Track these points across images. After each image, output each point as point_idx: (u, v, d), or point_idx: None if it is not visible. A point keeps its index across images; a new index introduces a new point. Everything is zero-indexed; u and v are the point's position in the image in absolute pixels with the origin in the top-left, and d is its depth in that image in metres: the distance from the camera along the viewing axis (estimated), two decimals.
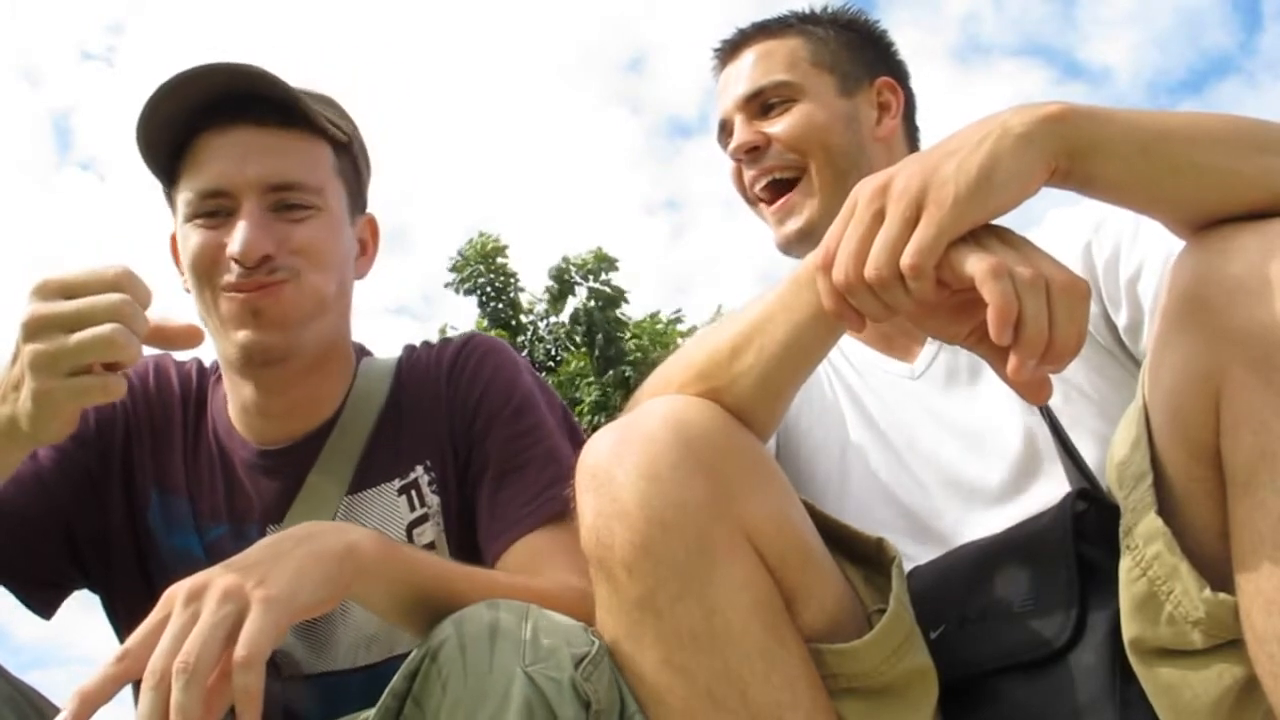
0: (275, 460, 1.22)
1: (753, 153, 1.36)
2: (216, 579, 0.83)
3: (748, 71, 1.38)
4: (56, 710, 0.79)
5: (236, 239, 1.12)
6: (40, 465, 1.21)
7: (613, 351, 14.02)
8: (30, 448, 1.01)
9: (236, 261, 1.12)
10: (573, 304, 15.01)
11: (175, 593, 0.83)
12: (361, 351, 1.34)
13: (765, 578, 0.89)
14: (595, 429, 0.97)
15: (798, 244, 1.33)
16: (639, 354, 13.91)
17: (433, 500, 1.22)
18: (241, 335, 1.14)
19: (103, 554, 1.24)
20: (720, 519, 0.87)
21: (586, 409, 12.87)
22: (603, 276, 14.96)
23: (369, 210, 1.32)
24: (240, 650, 0.79)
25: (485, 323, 14.49)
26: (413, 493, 1.22)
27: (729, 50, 1.43)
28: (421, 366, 1.29)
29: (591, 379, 13.62)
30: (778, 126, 1.34)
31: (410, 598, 0.96)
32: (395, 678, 0.88)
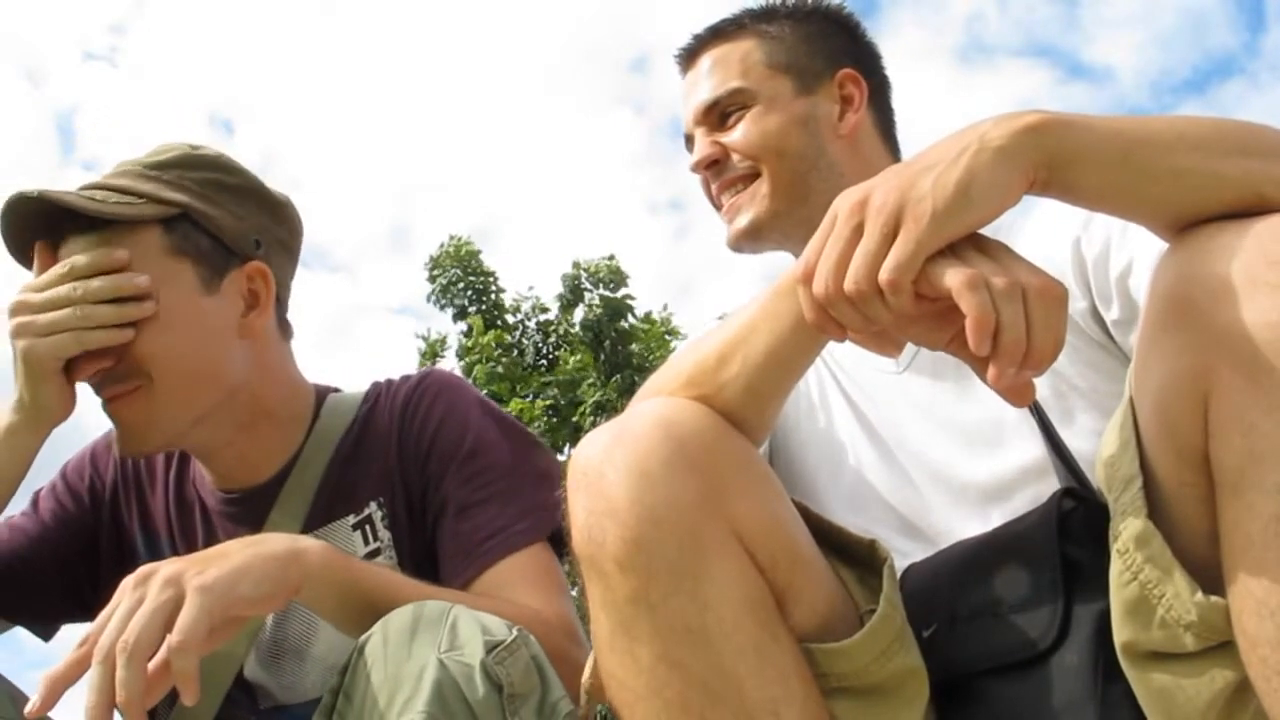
0: (238, 506, 1.29)
1: (713, 166, 1.33)
2: (163, 568, 0.92)
3: (703, 81, 1.36)
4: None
5: None
6: (41, 519, 1.34)
7: (619, 357, 14.04)
8: (42, 425, 1.18)
9: None
10: (580, 310, 15.03)
11: (128, 580, 0.92)
12: (327, 391, 1.36)
13: (756, 577, 0.89)
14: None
15: (745, 241, 1.32)
16: (642, 357, 13.93)
17: (385, 535, 1.27)
18: (113, 437, 1.23)
19: (99, 592, 1.31)
20: (711, 517, 0.87)
21: (588, 409, 12.90)
22: (613, 288, 14.98)
23: (254, 257, 1.25)
24: (174, 636, 0.87)
25: (480, 323, 14.45)
26: (367, 528, 1.27)
27: (686, 57, 1.41)
28: (380, 404, 1.33)
29: (593, 380, 13.63)
30: (733, 136, 1.32)
31: (359, 605, 1.03)
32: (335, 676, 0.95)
